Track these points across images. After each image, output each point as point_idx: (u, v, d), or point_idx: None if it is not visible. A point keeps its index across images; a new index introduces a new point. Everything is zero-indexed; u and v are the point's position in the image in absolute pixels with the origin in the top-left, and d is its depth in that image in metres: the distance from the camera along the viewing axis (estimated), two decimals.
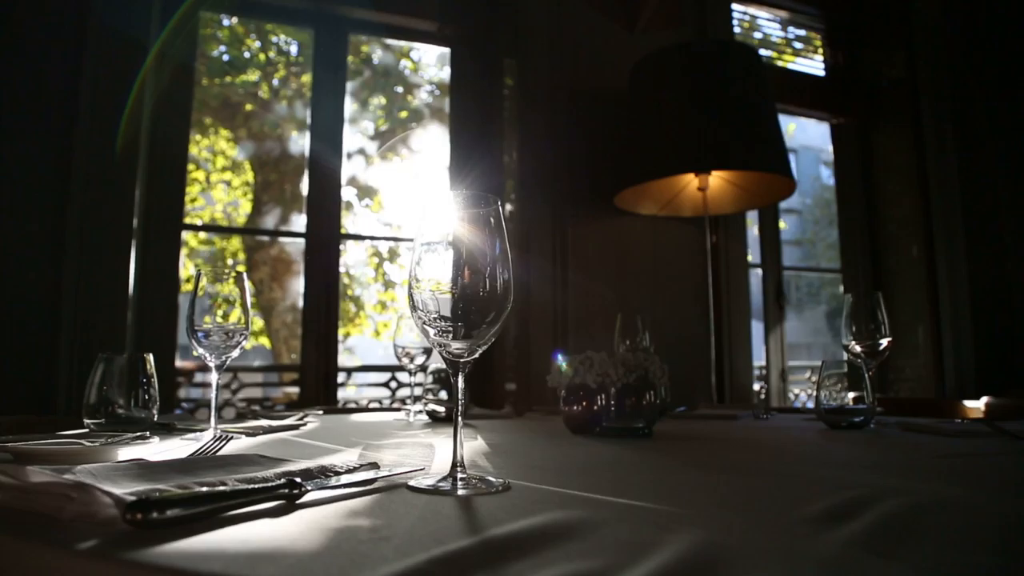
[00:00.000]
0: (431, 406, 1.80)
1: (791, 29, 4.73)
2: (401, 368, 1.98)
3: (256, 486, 0.60)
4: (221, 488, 0.57)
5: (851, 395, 1.55)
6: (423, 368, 1.90)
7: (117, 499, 0.50)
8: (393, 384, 3.68)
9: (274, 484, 0.61)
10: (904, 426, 1.45)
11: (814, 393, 1.56)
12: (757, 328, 4.18)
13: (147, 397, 1.28)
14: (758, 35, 4.59)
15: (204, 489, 0.56)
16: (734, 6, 4.32)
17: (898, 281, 4.41)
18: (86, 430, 1.21)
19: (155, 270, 2.97)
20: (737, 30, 4.40)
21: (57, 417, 2.34)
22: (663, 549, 0.46)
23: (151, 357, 1.31)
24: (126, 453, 0.94)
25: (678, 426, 1.65)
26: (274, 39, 6.65)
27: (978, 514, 0.63)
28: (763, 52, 4.46)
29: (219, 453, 0.96)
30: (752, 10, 4.54)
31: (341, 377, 3.53)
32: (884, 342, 1.54)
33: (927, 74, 4.41)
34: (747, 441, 1.36)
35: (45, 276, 2.65)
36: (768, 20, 4.62)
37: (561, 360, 1.39)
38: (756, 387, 4.12)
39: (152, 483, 0.59)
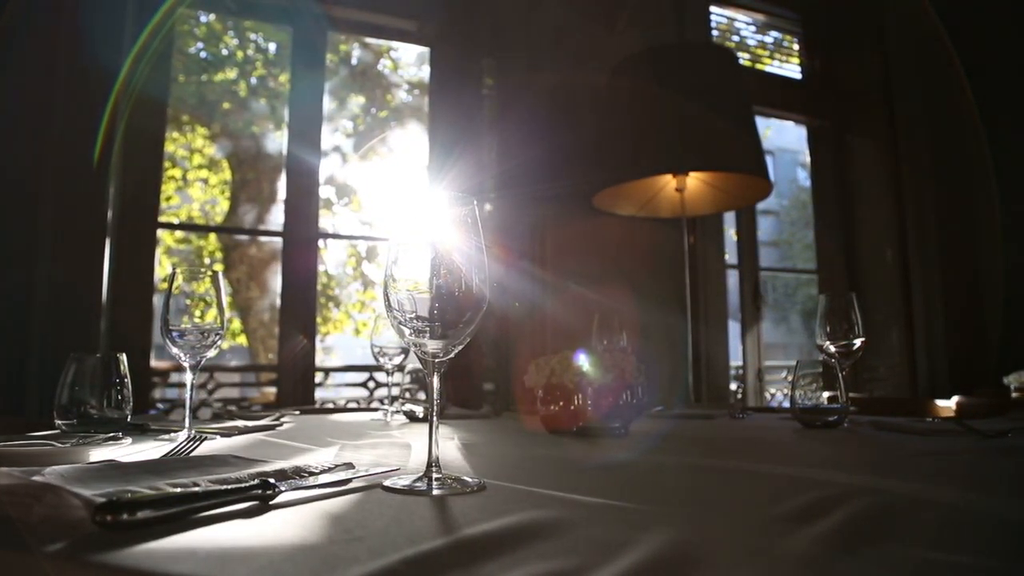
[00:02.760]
0: (408, 406, 1.80)
1: (769, 32, 4.77)
2: (379, 368, 1.97)
3: (229, 487, 0.59)
4: (193, 489, 0.56)
5: (826, 394, 1.57)
6: (401, 368, 1.89)
7: (86, 500, 0.49)
8: (371, 384, 3.66)
9: (247, 485, 0.60)
10: (877, 425, 1.47)
11: (789, 392, 1.57)
12: (734, 328, 4.22)
13: (120, 397, 1.26)
14: (736, 38, 4.63)
15: (176, 490, 0.55)
16: (712, 8, 4.35)
17: (873, 282, 4.47)
18: (57, 431, 1.20)
19: (130, 268, 2.93)
20: (715, 32, 4.44)
21: (28, 418, 2.30)
22: (637, 548, 0.46)
23: (124, 357, 1.29)
24: (98, 454, 0.92)
25: (655, 426, 1.66)
26: (252, 36, 6.60)
27: (949, 512, 0.64)
28: (741, 54, 4.50)
29: (193, 454, 0.95)
30: (730, 13, 4.58)
31: (319, 377, 3.51)
32: (858, 342, 1.56)
33: (901, 77, 4.47)
34: (723, 440, 1.37)
35: (17, 274, 2.60)
36: (746, 23, 4.66)
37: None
38: (733, 387, 4.15)
39: (123, 484, 0.58)
